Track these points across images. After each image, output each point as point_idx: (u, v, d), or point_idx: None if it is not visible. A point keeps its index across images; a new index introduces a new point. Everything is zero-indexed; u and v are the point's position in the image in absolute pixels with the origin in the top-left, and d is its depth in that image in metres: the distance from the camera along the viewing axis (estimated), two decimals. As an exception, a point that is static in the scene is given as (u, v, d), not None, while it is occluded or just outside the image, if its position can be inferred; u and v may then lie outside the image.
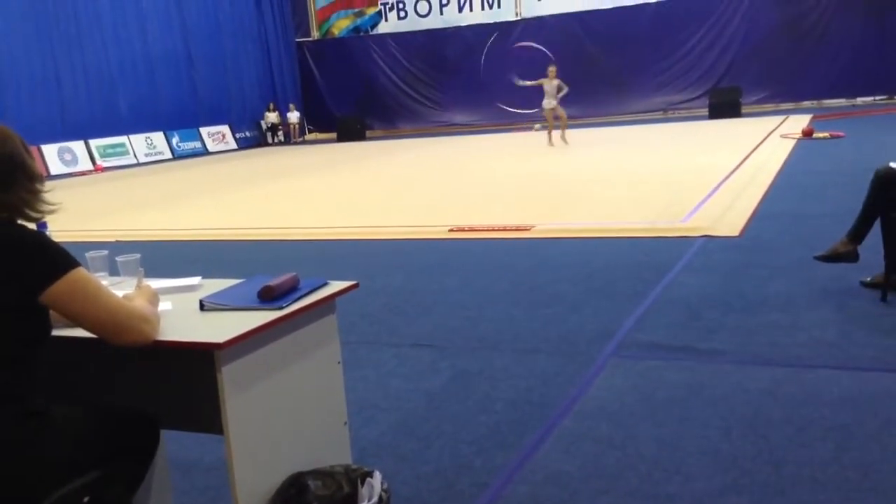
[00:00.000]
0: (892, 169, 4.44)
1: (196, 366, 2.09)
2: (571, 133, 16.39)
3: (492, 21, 25.38)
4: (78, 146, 20.18)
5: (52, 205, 2.04)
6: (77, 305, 1.89)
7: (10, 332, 1.84)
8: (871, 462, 2.66)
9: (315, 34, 28.06)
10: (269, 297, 2.27)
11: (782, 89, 22.35)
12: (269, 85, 26.76)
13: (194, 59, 23.76)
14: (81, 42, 20.38)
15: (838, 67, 21.58)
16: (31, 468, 1.79)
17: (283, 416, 2.25)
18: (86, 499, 1.91)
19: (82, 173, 19.35)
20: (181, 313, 2.26)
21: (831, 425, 2.95)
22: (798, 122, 16.09)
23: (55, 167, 19.23)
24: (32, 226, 1.99)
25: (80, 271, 1.90)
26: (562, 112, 15.72)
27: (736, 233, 6.45)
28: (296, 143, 25.71)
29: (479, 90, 24.85)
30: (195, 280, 2.58)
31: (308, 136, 27.54)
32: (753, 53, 22.61)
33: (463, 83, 25.21)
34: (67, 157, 19.80)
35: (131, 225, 9.50)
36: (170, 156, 22.53)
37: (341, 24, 27.68)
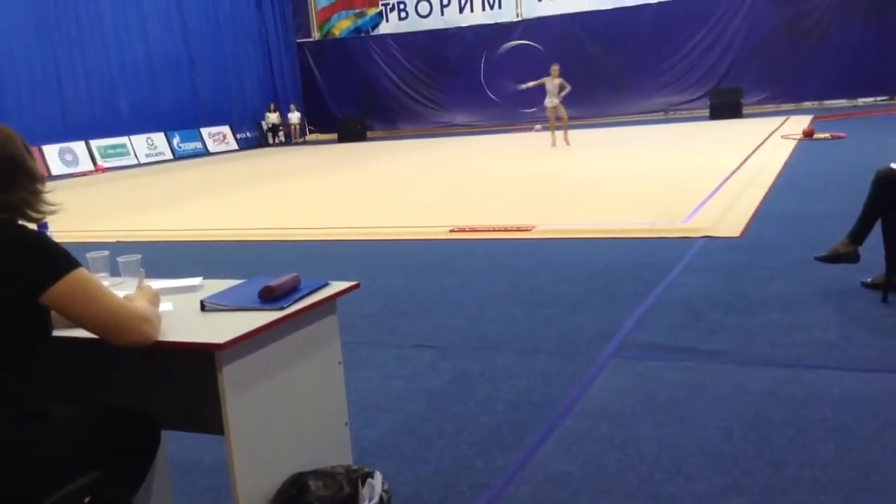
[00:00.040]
0: (892, 170, 4.44)
1: (197, 366, 2.09)
2: (572, 133, 16.39)
3: (492, 22, 25.38)
4: (79, 147, 20.19)
5: (53, 205, 2.04)
6: (78, 306, 1.89)
7: (11, 333, 1.84)
8: (872, 463, 2.66)
9: (316, 35, 28.07)
10: (269, 297, 2.27)
11: (783, 90, 22.36)
12: (270, 85, 26.77)
13: (195, 59, 23.77)
14: (82, 43, 20.40)
15: (839, 68, 21.58)
16: (30, 468, 1.79)
17: (283, 417, 2.25)
18: (87, 499, 1.91)
19: (83, 174, 19.36)
20: (182, 314, 2.26)
21: (832, 426, 2.95)
22: (799, 123, 16.09)
23: (56, 168, 19.24)
24: (33, 226, 1.99)
25: (81, 272, 1.90)
26: (563, 112, 15.70)
27: (737, 233, 6.45)
28: (296, 144, 25.71)
29: (479, 91, 24.85)
30: (196, 280, 2.58)
31: (309, 137, 27.55)
32: (754, 54, 22.61)
33: (464, 84, 25.22)
34: (68, 157, 19.81)
35: (132, 225, 9.51)
36: (171, 156, 22.55)
37: (342, 25, 27.69)
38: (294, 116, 26.28)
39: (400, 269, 6.18)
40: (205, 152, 23.58)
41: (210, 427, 2.16)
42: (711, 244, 6.16)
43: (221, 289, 2.45)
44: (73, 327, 1.98)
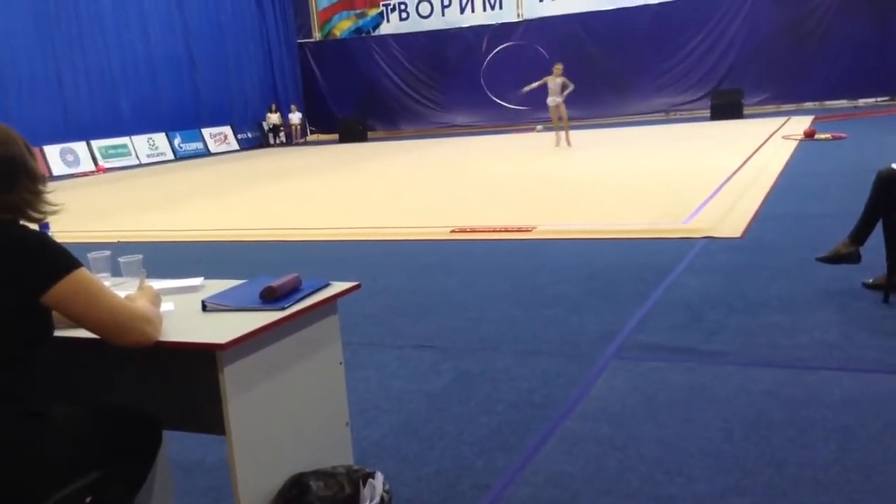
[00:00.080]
0: (893, 170, 4.43)
1: (198, 366, 2.10)
2: (573, 134, 16.38)
3: (493, 22, 25.38)
4: (80, 147, 20.20)
5: (55, 206, 2.04)
6: (79, 306, 1.89)
7: (11, 333, 1.84)
8: (874, 463, 2.66)
9: (317, 35, 28.07)
10: (271, 297, 2.28)
11: (784, 91, 22.34)
12: (271, 86, 26.78)
13: (196, 60, 23.78)
14: (83, 43, 20.41)
15: (840, 69, 21.57)
16: (30, 468, 1.79)
17: (284, 417, 2.25)
18: (88, 499, 1.91)
19: (84, 174, 19.37)
20: (183, 314, 2.27)
21: (833, 427, 2.95)
22: (800, 124, 16.09)
23: (57, 168, 19.25)
24: (35, 226, 1.99)
25: (83, 272, 1.91)
26: (564, 112, 15.69)
27: (738, 234, 6.45)
28: (297, 144, 25.72)
29: (480, 91, 24.85)
30: (197, 281, 2.59)
31: (310, 137, 27.55)
32: (755, 55, 22.60)
33: (464, 84, 25.22)
34: (69, 157, 19.82)
35: (133, 226, 9.51)
36: (172, 157, 22.55)
37: (343, 26, 27.70)
38: (295, 117, 26.28)
39: (401, 269, 6.18)
40: (206, 153, 23.58)
41: (211, 427, 2.16)
42: (712, 245, 6.16)
43: (223, 289, 2.45)
44: (75, 327, 1.98)
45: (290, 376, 2.27)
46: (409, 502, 2.64)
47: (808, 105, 22.02)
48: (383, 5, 26.99)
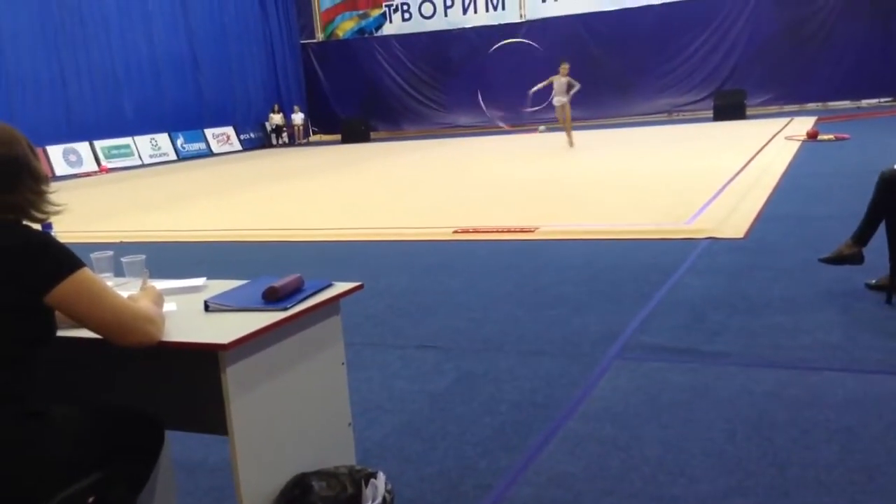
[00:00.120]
0: (897, 171, 4.43)
1: (201, 367, 2.10)
2: (575, 135, 16.36)
3: (496, 23, 25.39)
4: (83, 147, 20.22)
5: (58, 206, 2.04)
6: (82, 306, 1.89)
7: (12, 333, 1.84)
8: (877, 464, 2.65)
9: (319, 36, 28.09)
10: (273, 298, 2.28)
11: (787, 91, 22.33)
12: (274, 87, 26.81)
13: (199, 61, 23.80)
14: (87, 44, 20.43)
15: (843, 70, 21.55)
16: (30, 468, 1.79)
17: (287, 417, 2.25)
18: (90, 499, 1.91)
19: (87, 174, 19.40)
20: (186, 314, 2.27)
21: (836, 427, 2.94)
22: (803, 125, 16.07)
23: (60, 168, 19.28)
24: (38, 227, 2.00)
25: (86, 272, 1.91)
26: (568, 112, 15.68)
27: (740, 235, 6.44)
28: (300, 145, 25.73)
29: (483, 92, 24.83)
30: (200, 281, 2.59)
31: (312, 138, 27.56)
32: (758, 55, 22.59)
33: (467, 85, 25.21)
34: (72, 158, 19.84)
35: (136, 226, 9.52)
36: (174, 157, 22.57)
37: (346, 26, 27.72)
38: (298, 117, 26.30)
39: (403, 269, 6.18)
40: (208, 153, 23.60)
41: (214, 427, 2.17)
42: (715, 245, 6.15)
43: (225, 289, 2.45)
44: (77, 327, 1.98)
45: (292, 376, 2.27)
46: (411, 502, 2.64)
47: (811, 106, 22.00)
48: (386, 6, 27.01)
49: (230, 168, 18.25)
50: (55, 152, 19.34)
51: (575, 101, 15.98)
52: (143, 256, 2.69)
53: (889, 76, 21.15)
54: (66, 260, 1.88)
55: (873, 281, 4.61)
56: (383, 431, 3.22)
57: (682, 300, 4.75)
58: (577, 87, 15.41)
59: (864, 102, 21.58)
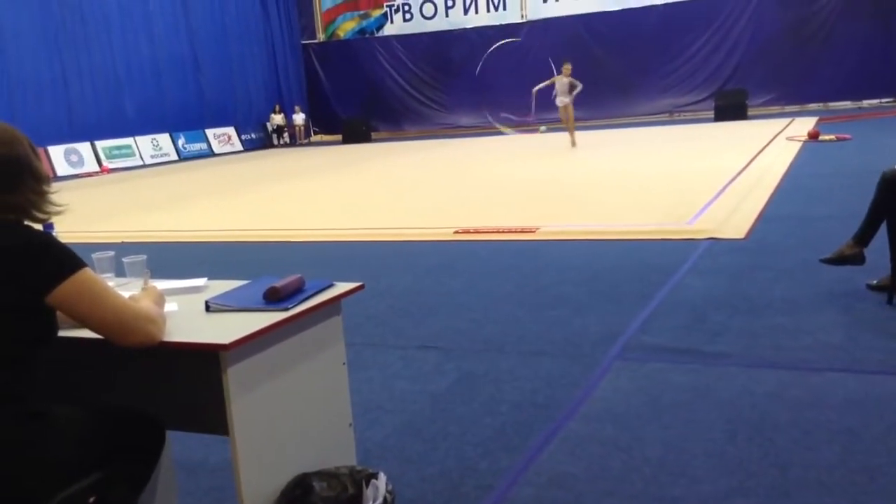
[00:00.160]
0: (898, 171, 4.43)
1: (202, 367, 2.10)
2: (577, 135, 16.36)
3: (497, 23, 25.38)
4: (84, 147, 20.23)
5: (59, 206, 2.04)
6: (83, 306, 1.90)
7: (13, 333, 1.84)
8: (878, 465, 2.65)
9: (320, 36, 28.09)
10: (274, 298, 2.28)
11: (788, 92, 22.32)
12: (275, 87, 26.81)
13: (200, 61, 23.81)
14: (88, 44, 20.45)
15: (844, 70, 21.53)
16: (31, 468, 1.79)
17: (288, 418, 2.25)
18: (91, 499, 1.91)
19: (88, 174, 19.40)
20: (187, 314, 2.27)
21: (837, 428, 2.94)
22: (804, 125, 16.06)
23: (62, 168, 19.29)
24: (39, 227, 2.00)
25: (87, 272, 1.91)
26: (571, 112, 15.68)
27: (741, 235, 6.44)
28: (301, 145, 25.74)
29: (484, 92, 24.84)
30: (201, 281, 2.59)
31: (313, 138, 27.57)
32: (759, 56, 22.57)
33: (468, 85, 25.22)
34: (74, 158, 19.85)
35: (137, 226, 9.52)
36: (175, 157, 22.57)
37: (347, 27, 27.72)
38: (299, 118, 26.32)
39: (404, 270, 6.18)
40: (210, 153, 23.61)
41: (215, 428, 2.17)
42: (716, 246, 6.15)
43: (226, 289, 2.45)
44: (79, 327, 1.98)
45: (293, 377, 2.27)
46: (412, 503, 2.64)
47: (813, 106, 21.99)
48: (387, 6, 27.01)
49: (231, 168, 18.26)
50: (56, 152, 19.35)
51: (577, 102, 15.98)
52: (145, 257, 2.69)
53: (890, 76, 21.14)
54: (67, 260, 1.88)
55: (874, 281, 4.61)
56: (384, 432, 3.22)
57: (683, 301, 4.75)
58: (579, 87, 15.41)
59: (866, 103, 21.57)
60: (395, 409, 3.46)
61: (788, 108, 22.15)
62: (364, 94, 26.77)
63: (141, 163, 21.45)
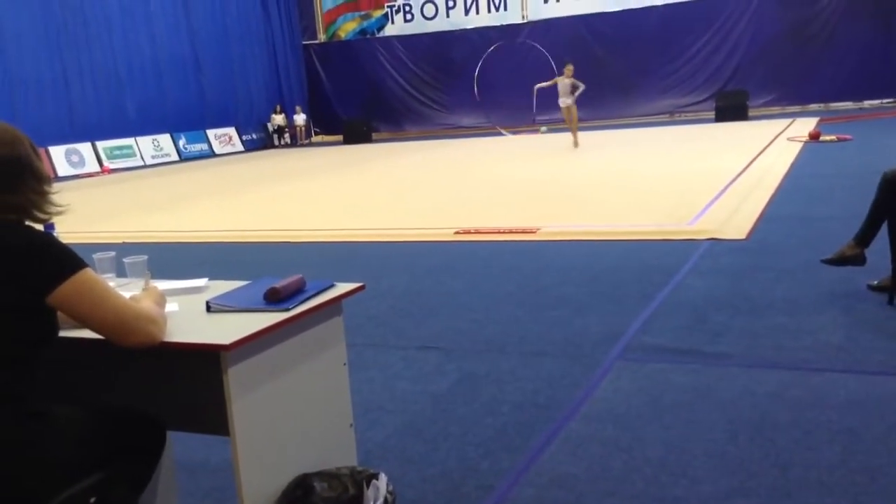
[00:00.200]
0: (899, 172, 4.43)
1: (202, 367, 2.10)
2: (578, 135, 16.35)
3: (498, 24, 25.38)
4: (85, 148, 20.23)
5: (60, 206, 2.04)
6: (84, 307, 1.90)
7: (16, 333, 1.84)
8: (879, 465, 2.65)
9: (321, 37, 28.09)
10: (275, 298, 2.28)
11: (789, 92, 22.30)
12: (276, 87, 26.82)
13: (201, 61, 23.82)
14: (90, 45, 20.46)
15: (845, 71, 21.53)
16: (32, 469, 1.79)
17: (289, 418, 2.25)
18: (92, 500, 1.91)
19: (89, 175, 19.41)
20: (188, 315, 2.27)
21: (838, 429, 2.94)
22: (805, 125, 16.06)
23: (62, 169, 19.29)
24: (40, 227, 2.00)
25: (88, 272, 1.91)
26: (575, 113, 15.67)
27: (742, 236, 6.44)
28: (302, 146, 25.74)
29: (484, 93, 24.84)
30: (202, 282, 2.59)
31: (314, 139, 27.57)
32: (760, 56, 22.56)
33: (469, 86, 25.18)
34: (75, 158, 19.86)
35: (138, 227, 9.53)
36: (176, 158, 22.58)
37: (347, 27, 27.72)
38: (300, 118, 26.32)
39: (405, 270, 6.18)
40: (210, 154, 23.61)
41: (215, 428, 2.17)
42: (717, 246, 6.15)
43: (227, 290, 2.45)
44: (79, 328, 1.98)
45: (294, 377, 2.27)
46: (413, 503, 2.64)
47: (813, 107, 21.98)
48: (388, 7, 27.00)
49: (232, 169, 18.27)
50: (57, 153, 19.35)
51: (578, 102, 15.97)
52: (145, 257, 2.69)
53: (891, 77, 21.13)
54: (68, 260, 1.88)
55: (875, 282, 4.61)
56: (385, 432, 3.22)
57: (684, 301, 4.74)
58: (581, 88, 15.39)
59: (867, 103, 21.56)
60: (396, 410, 3.46)
61: (789, 109, 22.13)
62: (365, 95, 26.77)
63: (142, 163, 21.45)
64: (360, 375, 3.82)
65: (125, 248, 6.99)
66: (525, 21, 25.20)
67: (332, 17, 27.84)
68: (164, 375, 2.33)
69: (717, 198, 8.30)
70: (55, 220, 2.08)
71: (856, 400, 3.18)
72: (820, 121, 17.18)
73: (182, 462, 2.85)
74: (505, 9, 25.58)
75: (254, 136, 25.79)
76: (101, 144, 20.60)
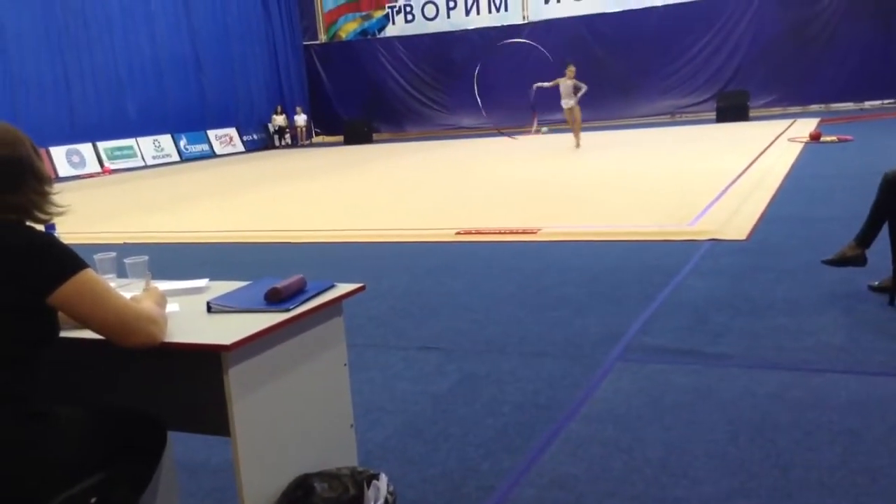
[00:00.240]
0: (900, 172, 4.43)
1: (203, 367, 2.10)
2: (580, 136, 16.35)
3: (499, 24, 25.39)
4: (86, 148, 20.25)
5: (61, 207, 2.05)
6: (85, 307, 1.90)
7: (16, 333, 1.84)
8: (879, 466, 2.65)
9: (322, 37, 28.11)
10: (276, 299, 2.28)
11: (790, 93, 22.31)
12: (277, 88, 26.84)
13: (202, 62, 23.84)
14: (90, 45, 20.47)
15: (846, 71, 21.53)
16: (33, 469, 1.79)
17: (289, 418, 2.25)
18: (92, 500, 1.91)
19: (90, 175, 19.43)
20: (188, 315, 2.27)
21: (839, 429, 2.94)
22: (806, 126, 16.06)
23: (63, 169, 19.30)
24: (41, 227, 2.00)
25: (89, 273, 1.91)
26: (578, 114, 15.66)
27: (743, 236, 6.44)
28: (303, 146, 25.75)
29: (485, 93, 24.81)
30: (202, 282, 2.59)
31: (315, 139, 27.58)
32: (761, 57, 22.57)
33: (470, 86, 25.13)
34: (75, 159, 19.87)
35: (139, 227, 9.53)
36: (177, 158, 22.59)
37: (348, 28, 27.73)
38: (300, 119, 26.33)
39: (406, 271, 6.18)
40: (211, 154, 23.63)
41: (216, 428, 2.17)
42: (718, 247, 6.15)
43: (228, 290, 2.45)
44: (80, 328, 1.98)
45: (294, 378, 2.27)
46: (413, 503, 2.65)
47: (814, 107, 21.99)
48: (389, 7, 27.02)
49: (233, 169, 18.27)
50: (58, 153, 19.37)
51: (579, 103, 15.96)
52: (146, 257, 2.69)
53: (892, 77, 21.13)
54: (68, 261, 1.89)
55: (876, 283, 4.61)
56: (385, 433, 3.22)
57: (684, 302, 4.74)
58: (583, 89, 15.37)
59: (868, 104, 21.57)
60: (397, 410, 3.46)
61: (790, 110, 22.14)
62: (366, 95, 26.79)
63: (142, 164, 21.47)
64: (361, 376, 3.82)
65: (126, 249, 7.00)
66: (526, 21, 25.21)
67: (332, 18, 27.85)
68: (165, 376, 2.33)
69: (717, 198, 8.30)
70: (56, 220, 2.08)
71: (857, 401, 3.18)
72: (821, 121, 17.18)
73: (183, 462, 2.85)
74: (506, 9, 25.59)
75: (254, 136, 25.81)
76: (101, 145, 20.61)
